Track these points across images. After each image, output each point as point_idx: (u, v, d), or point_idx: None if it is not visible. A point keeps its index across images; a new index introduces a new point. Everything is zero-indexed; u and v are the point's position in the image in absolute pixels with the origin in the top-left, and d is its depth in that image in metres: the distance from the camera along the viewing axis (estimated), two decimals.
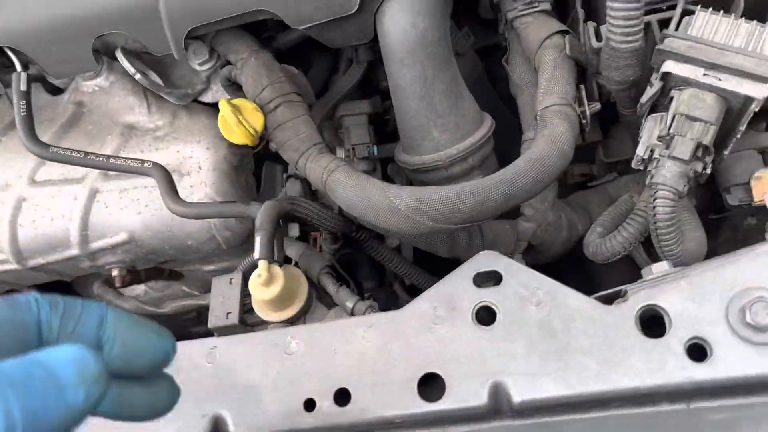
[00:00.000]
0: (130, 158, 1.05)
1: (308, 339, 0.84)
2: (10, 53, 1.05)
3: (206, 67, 1.12)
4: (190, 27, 0.98)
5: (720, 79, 0.83)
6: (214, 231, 1.15)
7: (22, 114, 1.03)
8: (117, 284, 1.31)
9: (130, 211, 1.18)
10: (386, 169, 1.27)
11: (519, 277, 0.80)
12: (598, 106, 0.99)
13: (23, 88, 1.04)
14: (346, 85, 1.19)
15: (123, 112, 1.22)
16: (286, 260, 1.01)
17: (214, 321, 0.97)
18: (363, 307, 0.90)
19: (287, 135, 0.99)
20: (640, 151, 0.92)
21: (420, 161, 1.06)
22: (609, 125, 1.21)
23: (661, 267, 0.82)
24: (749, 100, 0.82)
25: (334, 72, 1.30)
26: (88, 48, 1.03)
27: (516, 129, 1.13)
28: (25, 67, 1.07)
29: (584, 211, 1.14)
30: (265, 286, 0.90)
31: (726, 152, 0.95)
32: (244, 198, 1.23)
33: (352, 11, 0.95)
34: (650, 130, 0.92)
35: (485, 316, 0.79)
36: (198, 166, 1.15)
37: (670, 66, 0.85)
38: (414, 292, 1.27)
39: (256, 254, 0.90)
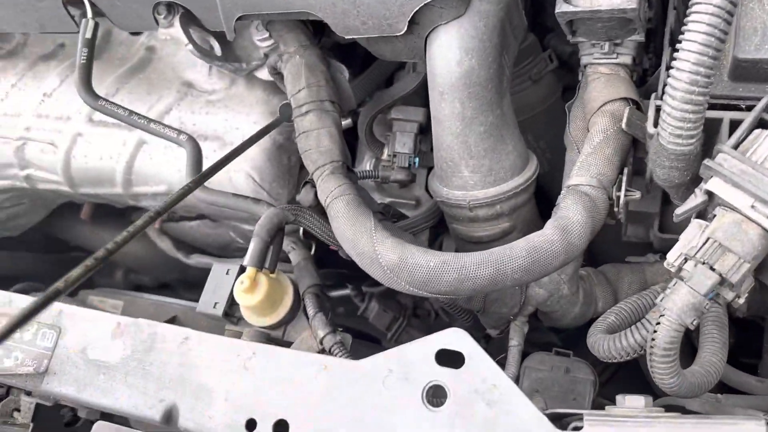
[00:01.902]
0: (169, 126, 1.06)
1: (268, 361, 0.86)
2: (85, 1, 1.07)
3: (266, 44, 1.10)
4: (240, 14, 0.96)
5: None
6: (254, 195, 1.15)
7: (82, 61, 1.07)
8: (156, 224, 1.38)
9: (171, 167, 1.22)
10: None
11: (480, 367, 0.76)
12: (637, 194, 0.88)
13: (88, 35, 1.07)
14: (399, 91, 1.13)
15: (185, 67, 1.25)
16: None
17: (202, 306, 1.00)
18: (331, 342, 0.90)
19: (310, 144, 0.97)
20: (672, 256, 0.81)
21: (446, 195, 1.01)
22: None
23: (635, 402, 0.74)
24: None
25: (402, 68, 1.23)
26: (149, 10, 1.03)
27: None
28: (98, 15, 1.09)
29: (611, 288, 1.04)
30: (247, 293, 0.91)
31: None
32: (280, 177, 1.23)
33: (400, 33, 0.89)
34: (690, 236, 0.80)
35: (435, 394, 0.77)
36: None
37: (715, 185, 0.73)
38: None
39: (246, 260, 0.91)
